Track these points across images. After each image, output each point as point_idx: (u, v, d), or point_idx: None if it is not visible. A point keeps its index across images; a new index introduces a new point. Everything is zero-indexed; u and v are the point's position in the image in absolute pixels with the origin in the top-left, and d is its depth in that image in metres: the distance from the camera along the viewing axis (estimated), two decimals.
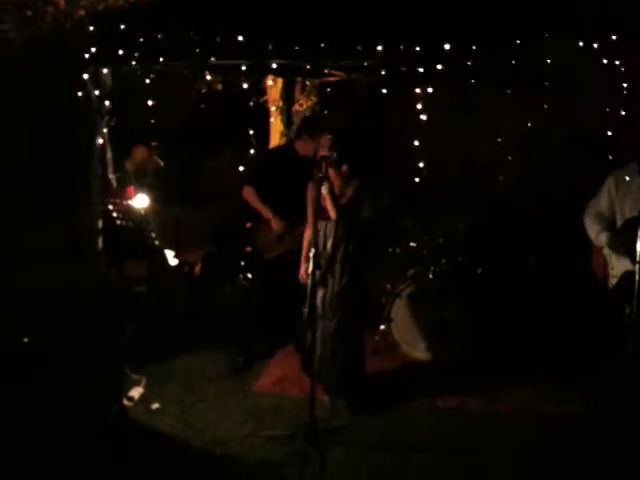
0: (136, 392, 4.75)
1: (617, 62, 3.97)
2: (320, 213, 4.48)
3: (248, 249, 6.03)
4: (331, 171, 4.55)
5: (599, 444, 4.09)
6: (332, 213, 4.54)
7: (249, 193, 5.40)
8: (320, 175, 4.37)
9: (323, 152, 4.51)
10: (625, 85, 4.10)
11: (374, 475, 3.90)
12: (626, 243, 4.12)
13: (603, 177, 4.35)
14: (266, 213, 5.32)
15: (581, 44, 3.73)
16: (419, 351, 5.50)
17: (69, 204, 5.28)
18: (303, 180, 4.71)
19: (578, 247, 5.86)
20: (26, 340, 4.91)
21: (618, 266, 4.36)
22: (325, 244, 4.62)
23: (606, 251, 4.41)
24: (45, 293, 5.76)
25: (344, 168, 4.59)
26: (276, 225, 5.28)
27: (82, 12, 6.67)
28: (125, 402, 4.50)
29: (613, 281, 4.40)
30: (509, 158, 4.66)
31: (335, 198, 4.53)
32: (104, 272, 4.79)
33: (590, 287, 5.40)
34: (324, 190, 4.47)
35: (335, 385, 4.67)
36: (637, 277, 3.98)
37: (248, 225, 6.20)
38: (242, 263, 5.79)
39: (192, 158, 7.85)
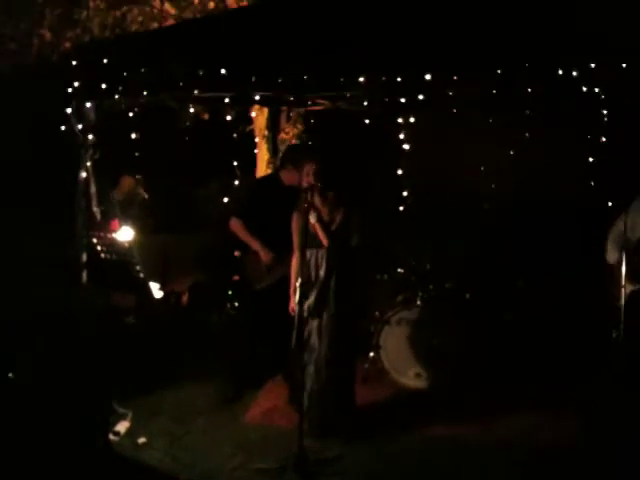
0: (122, 426, 4.69)
1: (597, 90, 4.02)
2: (310, 241, 4.50)
3: (236, 278, 6.02)
4: (317, 199, 4.57)
5: (597, 471, 4.07)
6: (324, 240, 4.55)
7: (236, 225, 5.36)
8: (306, 204, 4.39)
9: (308, 180, 4.54)
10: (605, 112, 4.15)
11: None
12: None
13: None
14: (255, 245, 5.28)
15: (560, 72, 3.76)
16: (409, 378, 5.47)
17: (54, 236, 5.26)
18: (290, 210, 4.72)
19: (566, 268, 5.92)
20: (10, 375, 4.85)
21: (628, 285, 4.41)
22: (317, 272, 4.61)
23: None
24: (30, 322, 5.70)
25: (330, 195, 4.61)
26: (265, 256, 5.25)
27: (67, 44, 6.71)
28: (111, 436, 4.44)
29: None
30: (493, 186, 4.69)
31: (325, 225, 4.54)
32: (91, 303, 4.75)
33: (581, 308, 5.45)
34: (312, 219, 4.48)
35: (326, 415, 4.63)
36: (622, 301, 4.01)
37: (236, 254, 6.20)
38: (229, 292, 5.77)
39: (178, 187, 7.86)
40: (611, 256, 4.61)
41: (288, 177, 5.31)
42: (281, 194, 5.21)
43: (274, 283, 5.17)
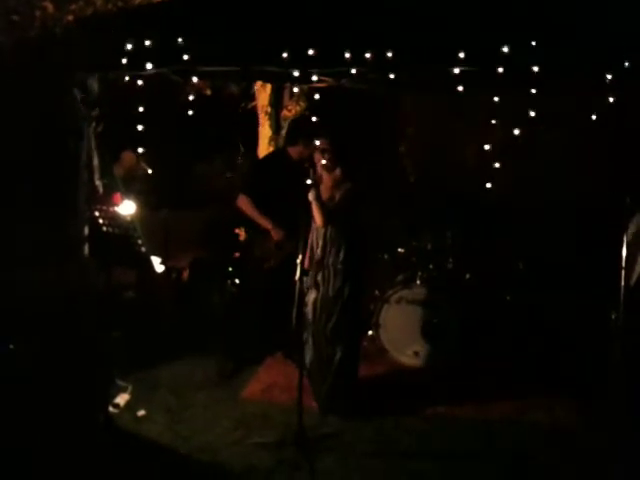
0: (122, 399, 4.72)
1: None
2: (312, 218, 4.51)
3: (236, 255, 6.01)
4: (324, 174, 4.56)
5: (590, 449, 4.11)
6: (318, 219, 4.55)
7: (245, 203, 5.30)
8: (310, 181, 4.39)
9: (318, 156, 4.52)
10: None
11: None
12: None
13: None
14: (265, 223, 5.23)
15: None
16: (407, 357, 5.51)
17: (56, 210, 5.24)
18: (297, 187, 4.68)
19: (567, 251, 5.92)
20: (11, 347, 4.87)
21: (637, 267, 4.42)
22: (316, 250, 4.63)
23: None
24: (31, 298, 5.71)
25: (337, 171, 4.59)
26: (277, 235, 5.21)
27: (71, 17, 6.65)
28: (111, 409, 4.47)
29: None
30: (497, 165, 4.67)
31: (322, 204, 4.53)
32: (92, 278, 4.76)
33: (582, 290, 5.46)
34: (311, 196, 4.48)
35: (328, 389, 4.65)
36: (622, 283, 4.01)
37: (237, 231, 6.20)
38: (230, 269, 5.77)
39: (181, 163, 7.84)
40: (629, 235, 4.54)
41: (298, 152, 5.25)
42: (288, 171, 5.17)
43: (284, 260, 5.14)
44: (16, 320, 5.28)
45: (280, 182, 5.15)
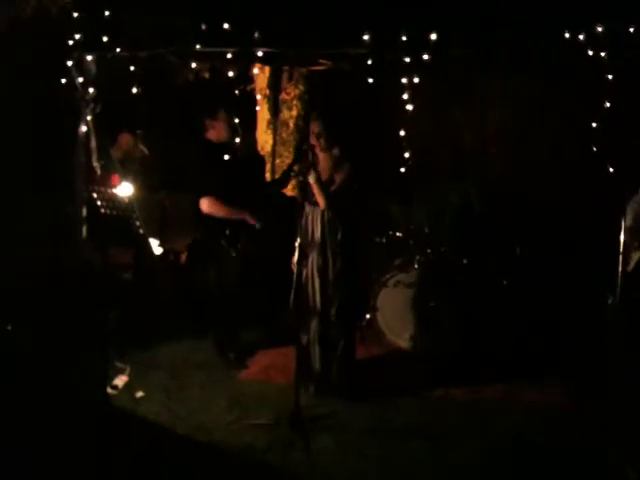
0: (120, 380, 4.75)
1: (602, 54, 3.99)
2: (310, 199, 4.51)
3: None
4: (322, 155, 4.56)
5: (585, 428, 4.15)
6: (321, 202, 4.54)
7: (211, 204, 4.92)
8: (307, 164, 4.38)
9: (312, 139, 4.51)
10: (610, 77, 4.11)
11: (360, 461, 3.91)
12: None
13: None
14: (239, 214, 4.98)
15: (567, 35, 3.73)
16: (404, 340, 5.54)
17: (52, 191, 5.24)
18: (250, 175, 4.58)
19: (564, 235, 5.94)
20: (9, 328, 4.88)
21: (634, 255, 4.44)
22: (313, 231, 4.63)
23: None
24: (28, 278, 5.72)
25: (335, 151, 4.59)
26: (253, 221, 5.01)
27: None
28: (109, 390, 4.49)
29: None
30: (494, 148, 4.68)
31: (323, 186, 4.53)
32: (88, 258, 4.76)
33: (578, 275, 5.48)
34: (311, 179, 4.47)
35: (327, 371, 4.67)
36: (620, 268, 4.03)
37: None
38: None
39: (179, 145, 7.80)
40: (628, 220, 4.56)
41: (216, 133, 5.03)
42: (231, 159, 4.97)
43: (265, 245, 5.03)
44: (14, 300, 5.29)
45: (230, 170, 4.97)
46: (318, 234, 4.61)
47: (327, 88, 5.03)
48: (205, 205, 4.93)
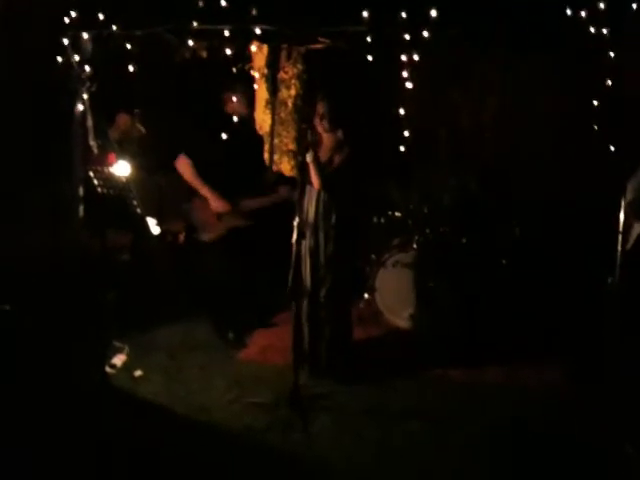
0: (119, 360, 4.76)
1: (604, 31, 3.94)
2: (309, 180, 4.48)
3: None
4: (324, 136, 4.53)
5: (585, 411, 4.16)
6: (316, 182, 4.52)
7: (185, 166, 4.85)
8: (307, 143, 4.36)
9: (317, 119, 4.48)
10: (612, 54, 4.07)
11: (358, 441, 3.92)
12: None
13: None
14: (204, 191, 4.87)
15: (569, 12, 3.68)
16: (402, 320, 5.54)
17: (49, 171, 5.20)
18: (244, 150, 4.49)
19: (564, 218, 5.91)
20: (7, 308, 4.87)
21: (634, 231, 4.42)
22: (308, 211, 4.61)
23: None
24: (25, 260, 5.69)
25: (339, 134, 4.55)
26: (215, 204, 4.86)
27: None
28: (108, 369, 4.50)
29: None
30: (493, 131, 4.64)
31: (320, 167, 4.50)
32: (86, 239, 4.74)
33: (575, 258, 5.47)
34: (308, 158, 4.44)
35: (322, 352, 4.67)
36: (619, 248, 4.01)
37: None
38: None
39: (176, 125, 7.74)
40: (628, 195, 4.53)
41: (235, 106, 4.96)
42: (232, 130, 4.86)
43: (223, 235, 4.90)
44: (12, 281, 5.27)
45: (224, 143, 4.87)
46: (312, 215, 4.59)
47: (326, 67, 4.97)
48: (180, 163, 4.91)
